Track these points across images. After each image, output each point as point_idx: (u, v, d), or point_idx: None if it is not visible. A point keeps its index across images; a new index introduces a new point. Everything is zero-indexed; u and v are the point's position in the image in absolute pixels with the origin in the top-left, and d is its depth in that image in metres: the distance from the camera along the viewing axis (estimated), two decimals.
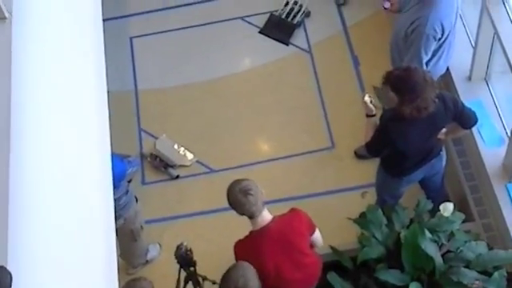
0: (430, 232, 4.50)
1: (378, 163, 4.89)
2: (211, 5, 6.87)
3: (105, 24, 4.47)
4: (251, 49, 6.68)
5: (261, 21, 6.72)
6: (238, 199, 3.89)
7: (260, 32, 6.65)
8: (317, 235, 4.23)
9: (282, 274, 4.02)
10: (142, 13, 6.90)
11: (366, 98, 4.50)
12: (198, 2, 6.89)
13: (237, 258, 3.99)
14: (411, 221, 4.74)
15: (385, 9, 5.13)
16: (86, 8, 4.07)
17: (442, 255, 4.51)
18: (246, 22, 6.75)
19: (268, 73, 6.45)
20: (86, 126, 3.56)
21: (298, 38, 6.61)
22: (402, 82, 4.18)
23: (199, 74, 6.47)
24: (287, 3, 6.72)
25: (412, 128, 4.33)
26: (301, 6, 6.69)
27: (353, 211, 5.04)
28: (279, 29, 6.65)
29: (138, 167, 5.87)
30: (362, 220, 4.80)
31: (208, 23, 6.76)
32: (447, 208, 4.64)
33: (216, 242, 5.37)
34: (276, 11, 6.71)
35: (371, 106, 4.49)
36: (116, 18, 6.72)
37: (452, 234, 4.63)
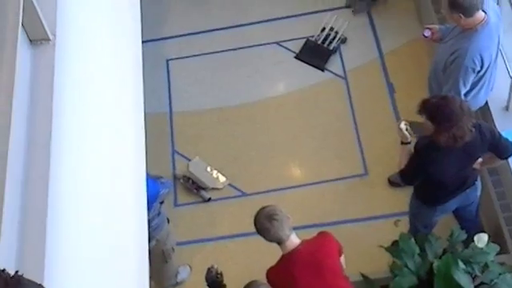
0: (464, 263, 4.44)
1: (412, 191, 4.85)
2: (248, 29, 6.92)
3: (142, 46, 4.52)
4: (286, 74, 6.69)
5: (296, 46, 6.74)
6: (264, 225, 3.94)
7: (296, 57, 6.67)
8: (343, 259, 4.21)
9: None
10: (179, 36, 6.97)
11: (402, 125, 4.48)
12: (235, 26, 6.93)
13: (270, 285, 3.98)
14: (444, 251, 4.69)
15: (425, 37, 5.03)
16: (126, 30, 4.13)
17: (476, 287, 4.44)
18: (282, 46, 6.78)
19: (302, 98, 6.46)
20: (123, 147, 3.60)
21: (334, 64, 6.61)
22: (438, 111, 4.16)
23: (234, 97, 6.51)
24: (323, 29, 6.74)
25: (447, 157, 4.30)
26: (337, 33, 6.69)
27: (385, 239, 5.01)
28: (315, 54, 6.66)
29: (170, 189, 5.90)
30: (394, 248, 4.76)
31: (244, 47, 6.80)
32: (482, 239, 4.58)
33: (246, 266, 5.36)
34: (312, 37, 6.73)
35: (406, 133, 4.47)
36: (153, 41, 6.79)
37: (486, 266, 4.56)
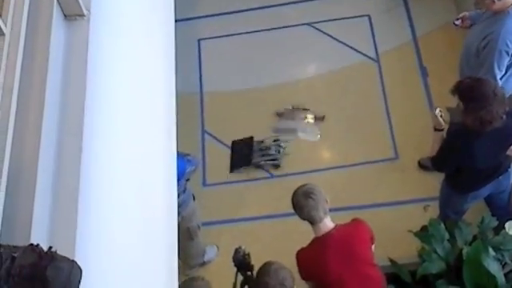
0: (494, 250, 4.41)
1: (443, 177, 4.80)
2: (280, 9, 6.89)
3: (174, 25, 4.51)
4: (318, 55, 6.66)
5: (329, 28, 6.68)
6: (299, 201, 3.93)
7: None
8: (373, 248, 4.18)
9: (345, 285, 3.98)
10: (211, 15, 6.95)
11: (437, 112, 4.44)
12: (267, 7, 6.90)
13: (299, 266, 3.97)
14: (474, 237, 4.65)
15: (456, 25, 5.12)
16: (159, 8, 4.12)
17: (505, 274, 4.41)
18: (314, 28, 6.73)
19: (334, 80, 6.42)
20: (154, 124, 3.60)
21: (366, 46, 6.55)
22: (469, 90, 4.12)
23: (265, 78, 6.49)
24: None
25: (478, 142, 4.24)
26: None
27: (414, 224, 4.99)
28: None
29: (197, 166, 5.88)
30: (424, 234, 4.74)
31: (275, 28, 6.78)
32: None
33: (274, 248, 5.34)
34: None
35: (441, 119, 4.43)
36: (185, 20, 6.77)
37: None
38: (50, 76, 2.42)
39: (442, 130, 4.46)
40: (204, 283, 3.87)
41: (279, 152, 6.01)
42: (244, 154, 6.05)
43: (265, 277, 3.76)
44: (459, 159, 4.36)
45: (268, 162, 6.00)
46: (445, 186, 4.81)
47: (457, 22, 5.08)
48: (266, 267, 3.84)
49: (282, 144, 6.04)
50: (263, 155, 6.01)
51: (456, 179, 4.65)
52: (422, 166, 5.70)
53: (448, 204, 4.88)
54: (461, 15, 5.10)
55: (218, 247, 5.57)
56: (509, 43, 4.57)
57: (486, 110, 4.03)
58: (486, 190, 4.67)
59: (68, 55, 2.66)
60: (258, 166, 6.01)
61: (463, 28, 5.09)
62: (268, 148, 6.03)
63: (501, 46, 4.57)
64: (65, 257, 1.93)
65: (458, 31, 5.96)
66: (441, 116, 4.43)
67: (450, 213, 4.87)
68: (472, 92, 4.08)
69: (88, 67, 2.64)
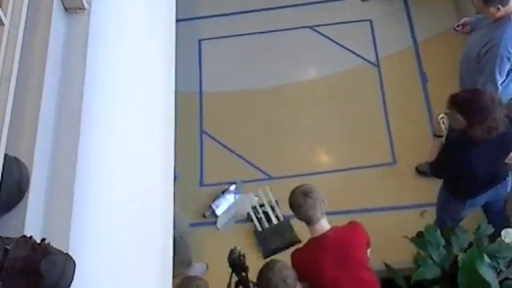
0: (489, 257, 4.39)
1: (441, 184, 4.79)
2: (281, 12, 6.87)
3: (176, 25, 4.50)
4: (318, 58, 6.64)
5: (330, 31, 6.68)
6: (297, 200, 3.92)
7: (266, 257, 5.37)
8: (369, 252, 4.17)
9: (339, 286, 3.98)
10: (213, 16, 6.95)
11: (440, 117, 4.43)
12: (269, 9, 6.89)
13: (294, 267, 3.95)
14: (470, 244, 4.63)
15: (456, 30, 5.17)
16: (160, 7, 4.11)
17: (500, 282, 4.40)
18: (316, 31, 6.73)
19: (333, 83, 6.41)
20: (152, 122, 3.60)
21: (367, 50, 6.55)
22: (468, 104, 4.10)
23: (264, 80, 6.48)
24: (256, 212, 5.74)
25: (477, 150, 4.23)
26: (272, 207, 5.73)
27: (410, 230, 4.97)
28: (277, 236, 5.55)
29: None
30: (420, 239, 4.73)
31: (276, 30, 6.76)
32: (509, 234, 4.54)
33: None
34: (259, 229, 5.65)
35: (442, 126, 4.42)
36: (187, 20, 6.77)
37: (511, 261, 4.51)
38: (49, 68, 2.41)
39: (442, 136, 4.45)
40: (202, 283, 3.86)
41: None
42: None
43: (269, 273, 3.75)
44: (458, 166, 4.35)
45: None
46: (443, 192, 4.80)
47: (457, 28, 5.13)
48: (271, 264, 3.83)
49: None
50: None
51: (454, 186, 4.64)
52: (419, 171, 5.70)
53: (445, 210, 4.87)
54: (461, 21, 5.13)
55: (207, 266, 5.46)
56: (510, 49, 4.57)
57: (490, 118, 4.03)
58: (483, 198, 4.66)
59: (67, 48, 2.65)
60: None
61: (463, 33, 5.12)
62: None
63: (502, 51, 4.57)
64: (59, 250, 1.92)
65: (459, 38, 5.96)
66: (443, 123, 4.43)
67: (446, 219, 4.86)
68: (472, 105, 4.08)
69: (87, 61, 2.63)
